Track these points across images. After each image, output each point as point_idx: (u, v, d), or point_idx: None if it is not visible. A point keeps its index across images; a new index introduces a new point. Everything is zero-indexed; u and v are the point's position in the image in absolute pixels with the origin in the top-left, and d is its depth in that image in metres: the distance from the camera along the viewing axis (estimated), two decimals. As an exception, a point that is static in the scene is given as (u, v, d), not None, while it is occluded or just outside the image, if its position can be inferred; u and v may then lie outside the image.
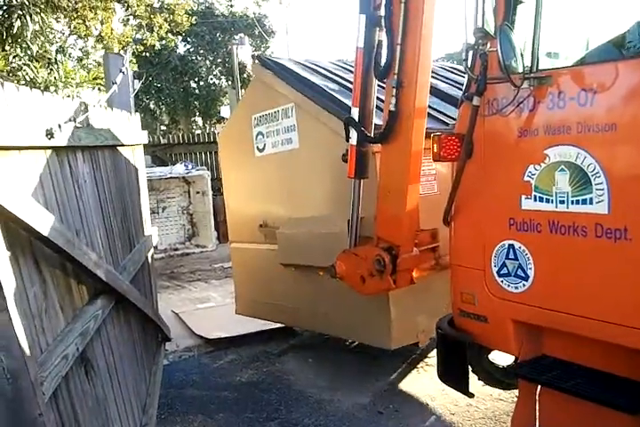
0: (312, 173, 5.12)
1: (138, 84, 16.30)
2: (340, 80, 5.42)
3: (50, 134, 2.67)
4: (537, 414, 3.19)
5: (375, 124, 4.19)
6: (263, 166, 5.74)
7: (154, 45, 11.22)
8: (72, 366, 2.50)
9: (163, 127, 26.71)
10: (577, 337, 2.95)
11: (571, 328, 2.95)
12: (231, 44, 21.87)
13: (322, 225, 4.93)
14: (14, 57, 8.22)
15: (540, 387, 3.15)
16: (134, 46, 11.06)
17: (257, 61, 5.84)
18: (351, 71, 4.36)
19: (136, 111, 7.29)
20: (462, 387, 3.57)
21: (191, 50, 24.51)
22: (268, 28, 24.17)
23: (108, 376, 3.19)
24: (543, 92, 2.93)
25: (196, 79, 25.04)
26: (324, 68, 5.77)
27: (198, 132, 22.70)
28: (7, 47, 8.25)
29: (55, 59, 8.97)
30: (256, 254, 5.99)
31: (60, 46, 9.65)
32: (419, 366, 5.48)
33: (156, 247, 9.60)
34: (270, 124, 5.55)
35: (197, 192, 12.45)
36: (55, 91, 8.27)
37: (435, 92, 5.30)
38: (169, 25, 11.32)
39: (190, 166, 12.25)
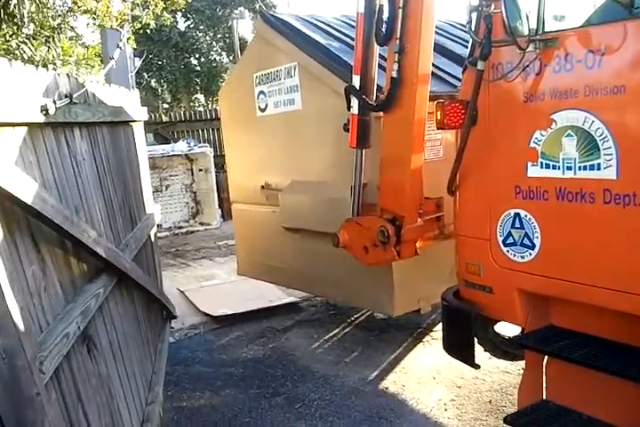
0: (315, 136, 5.00)
1: (139, 62, 16.14)
2: (345, 38, 5.25)
3: (45, 110, 2.62)
4: (544, 385, 3.18)
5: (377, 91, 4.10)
6: (265, 127, 5.63)
7: (149, 24, 11.04)
8: (74, 345, 2.47)
9: (165, 105, 26.52)
10: (584, 306, 2.91)
11: (578, 297, 2.91)
12: (231, 18, 21.61)
13: (325, 190, 4.86)
14: (11, 35, 8.10)
15: (546, 358, 3.13)
16: (131, 24, 10.88)
17: (259, 17, 5.68)
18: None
19: (138, 89, 7.20)
20: (468, 359, 3.54)
21: (191, 26, 24.18)
22: (268, 1, 23.80)
23: (112, 354, 3.18)
24: (549, 55, 2.85)
25: (197, 56, 24.73)
26: (328, 25, 5.58)
27: (200, 109, 22.54)
28: (4, 26, 8.13)
29: (53, 37, 8.83)
30: (257, 216, 5.93)
31: (58, 24, 9.51)
32: (424, 339, 5.48)
33: (160, 226, 9.60)
34: (272, 84, 5.40)
35: (200, 169, 12.37)
36: (54, 69, 8.17)
37: (442, 51, 5.17)
38: (164, 3, 11.10)
39: (192, 143, 12.14)
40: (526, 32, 2.83)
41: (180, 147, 11.99)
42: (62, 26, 9.69)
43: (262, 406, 4.44)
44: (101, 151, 3.78)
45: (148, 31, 15.38)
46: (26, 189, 2.19)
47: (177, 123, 14.60)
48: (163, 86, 25.07)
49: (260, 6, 21.77)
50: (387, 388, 4.62)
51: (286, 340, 5.79)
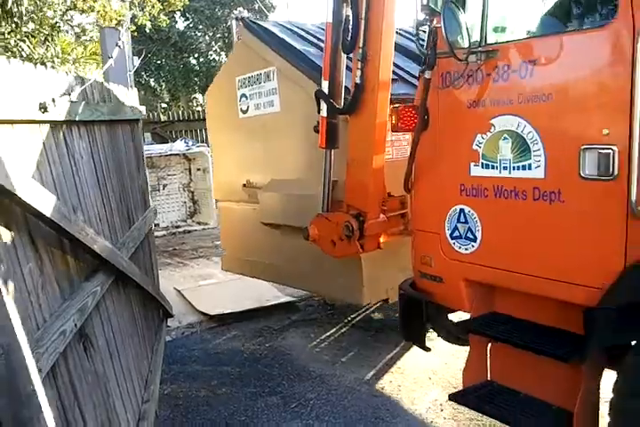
0: (291, 136, 5.25)
1: (137, 62, 16.11)
2: (321, 44, 5.39)
3: (43, 108, 2.62)
4: (488, 366, 3.48)
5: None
6: (247, 128, 5.86)
7: (145, 24, 11.08)
8: (70, 343, 2.48)
9: (163, 105, 26.49)
10: (522, 294, 3.19)
11: (514, 285, 3.20)
12: (230, 18, 21.62)
13: (299, 187, 5.11)
14: (10, 33, 8.08)
15: (490, 342, 3.44)
16: (129, 25, 10.89)
17: (241, 23, 5.85)
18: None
19: (136, 88, 7.22)
20: (420, 342, 3.92)
21: (190, 25, 24.18)
22: (267, 2, 23.81)
23: (108, 353, 3.18)
24: (490, 65, 3.11)
25: (196, 55, 24.76)
26: (307, 32, 5.83)
27: (199, 108, 22.51)
28: (2, 23, 8.11)
29: (51, 35, 8.83)
30: (240, 213, 6.17)
31: (56, 22, 9.49)
32: (421, 340, 5.48)
33: (157, 225, 9.59)
34: (253, 87, 5.66)
35: (198, 169, 12.34)
36: (52, 67, 8.16)
37: (414, 56, 5.38)
38: (162, 4, 11.11)
39: (190, 143, 12.12)
40: (466, 44, 3.08)
41: (178, 146, 11.96)
42: (60, 25, 9.68)
43: (258, 405, 4.45)
44: (100, 150, 3.79)
45: (148, 31, 15.38)
46: (24, 186, 2.19)
47: (175, 122, 14.60)
48: (161, 86, 25.07)
49: (259, 6, 21.79)
50: (383, 388, 4.63)
51: (283, 339, 5.80)
